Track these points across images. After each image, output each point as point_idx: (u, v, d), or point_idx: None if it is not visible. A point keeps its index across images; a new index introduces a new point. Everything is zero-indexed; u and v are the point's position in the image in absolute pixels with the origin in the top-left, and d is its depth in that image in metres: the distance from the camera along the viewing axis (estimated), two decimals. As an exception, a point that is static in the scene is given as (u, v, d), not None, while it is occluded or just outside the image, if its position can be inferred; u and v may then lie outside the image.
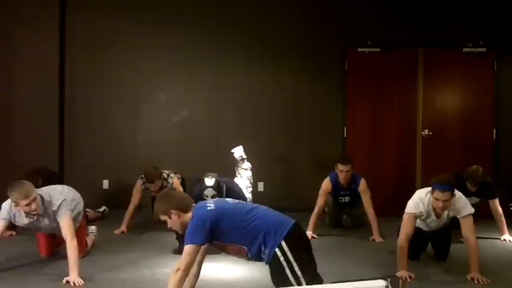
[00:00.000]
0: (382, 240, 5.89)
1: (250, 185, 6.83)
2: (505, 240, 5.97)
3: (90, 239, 5.41)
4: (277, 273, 3.44)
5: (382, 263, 5.01)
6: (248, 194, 6.59)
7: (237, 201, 3.73)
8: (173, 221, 3.56)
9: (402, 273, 4.42)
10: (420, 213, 4.65)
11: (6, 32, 7.85)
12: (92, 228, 5.63)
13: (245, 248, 3.50)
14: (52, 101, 7.83)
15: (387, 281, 2.57)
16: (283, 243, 3.41)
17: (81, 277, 4.30)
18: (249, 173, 6.82)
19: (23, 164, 6.90)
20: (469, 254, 4.54)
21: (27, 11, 7.80)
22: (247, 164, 6.84)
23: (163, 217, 3.59)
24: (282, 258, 3.40)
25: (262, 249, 3.45)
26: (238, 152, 6.86)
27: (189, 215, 3.53)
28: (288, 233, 3.44)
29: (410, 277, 4.42)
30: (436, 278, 4.62)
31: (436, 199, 4.51)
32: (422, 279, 4.49)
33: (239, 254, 3.57)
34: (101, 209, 7.16)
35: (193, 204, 3.62)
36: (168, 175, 6.44)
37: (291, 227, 3.48)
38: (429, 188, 4.62)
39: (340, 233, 6.37)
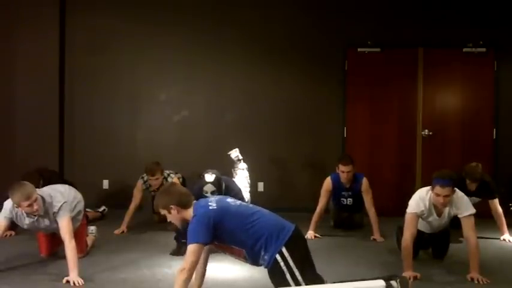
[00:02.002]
0: (383, 240, 5.90)
1: (248, 185, 6.83)
2: (504, 240, 5.97)
3: (89, 239, 5.41)
4: (277, 277, 3.43)
5: (382, 262, 5.01)
6: (247, 194, 6.59)
7: (238, 202, 3.71)
8: (172, 215, 3.58)
9: (408, 273, 4.41)
10: (421, 212, 4.65)
11: (6, 32, 7.85)
12: (92, 228, 5.63)
13: (243, 250, 3.50)
14: (52, 101, 7.83)
15: (396, 281, 2.56)
16: (284, 249, 3.41)
17: (81, 277, 4.30)
18: (246, 173, 6.83)
19: (23, 164, 6.92)
20: (469, 254, 4.54)
21: (27, 11, 7.80)
22: (243, 165, 6.85)
23: (163, 211, 3.62)
24: (282, 264, 3.40)
25: (262, 253, 3.45)
26: (235, 153, 6.87)
27: (189, 211, 3.54)
28: (289, 239, 3.44)
29: (415, 277, 4.42)
30: (436, 277, 4.61)
31: (437, 194, 4.50)
32: (423, 278, 4.48)
33: (238, 256, 3.57)
34: (100, 209, 7.16)
35: (194, 201, 3.62)
36: (168, 175, 6.46)
37: (291, 233, 3.48)
38: (429, 187, 4.62)
39: (340, 233, 6.36)
